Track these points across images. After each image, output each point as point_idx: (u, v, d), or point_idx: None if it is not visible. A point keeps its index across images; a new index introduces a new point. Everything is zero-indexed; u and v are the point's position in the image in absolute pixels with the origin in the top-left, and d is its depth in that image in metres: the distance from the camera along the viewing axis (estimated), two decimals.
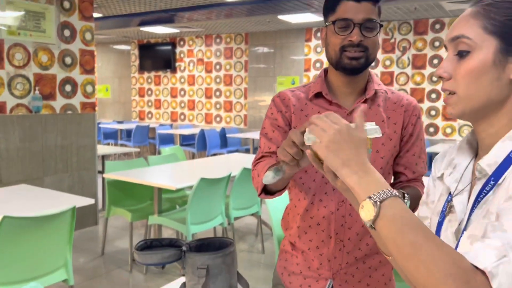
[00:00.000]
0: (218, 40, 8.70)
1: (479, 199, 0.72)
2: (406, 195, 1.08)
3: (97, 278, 3.41)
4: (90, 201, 2.65)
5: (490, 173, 0.72)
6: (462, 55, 0.72)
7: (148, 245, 1.35)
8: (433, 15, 6.39)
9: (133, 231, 3.69)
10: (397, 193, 0.66)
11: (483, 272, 0.57)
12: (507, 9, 0.70)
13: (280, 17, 6.48)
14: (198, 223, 3.27)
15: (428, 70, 6.70)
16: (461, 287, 0.56)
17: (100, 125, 8.63)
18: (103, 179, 4.92)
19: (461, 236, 0.74)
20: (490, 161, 0.72)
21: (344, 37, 1.19)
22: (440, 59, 6.56)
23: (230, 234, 3.96)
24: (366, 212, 0.66)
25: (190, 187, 3.26)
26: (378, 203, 0.65)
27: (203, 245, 1.35)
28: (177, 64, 9.22)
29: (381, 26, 1.21)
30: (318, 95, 1.29)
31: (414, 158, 1.29)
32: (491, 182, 0.71)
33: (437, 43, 6.60)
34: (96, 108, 4.69)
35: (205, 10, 6.25)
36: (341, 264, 1.26)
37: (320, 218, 1.26)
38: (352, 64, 1.20)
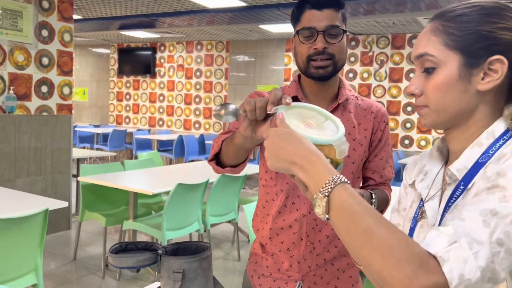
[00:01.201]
0: (199, 46, 8.69)
1: (449, 204, 0.75)
2: (373, 194, 1.10)
3: (68, 283, 3.32)
4: (64, 204, 2.59)
5: (460, 178, 0.74)
6: (428, 71, 0.75)
7: (123, 248, 1.33)
8: (410, 30, 6.55)
9: (107, 236, 3.62)
10: (344, 179, 0.65)
11: (435, 258, 0.58)
12: (464, 23, 0.72)
13: (262, 26, 6.53)
14: (174, 229, 3.23)
15: (404, 84, 6.85)
16: (414, 272, 0.57)
17: (76, 129, 8.47)
18: (78, 182, 4.82)
19: None
20: (460, 166, 0.74)
21: (309, 45, 1.21)
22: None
23: (206, 240, 3.93)
24: (318, 208, 0.65)
25: (167, 193, 3.23)
26: (327, 195, 0.64)
27: (179, 249, 1.34)
28: (157, 69, 9.16)
29: (345, 32, 1.23)
30: (294, 99, 1.30)
31: (381, 162, 1.32)
32: (461, 187, 0.73)
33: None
34: (73, 111, 4.61)
35: (187, 16, 6.24)
36: (310, 266, 1.28)
37: (292, 221, 1.28)
38: (319, 73, 1.22)
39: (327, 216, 0.64)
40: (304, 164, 0.68)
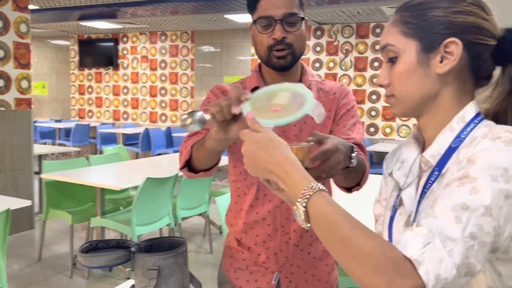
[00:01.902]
0: (163, 37, 8.51)
1: (425, 190, 0.76)
2: (354, 148, 1.04)
3: (33, 285, 3.20)
4: (26, 202, 2.48)
5: (434, 164, 0.75)
6: (392, 61, 0.78)
7: (93, 247, 1.27)
8: (374, 19, 6.65)
9: (73, 234, 3.50)
10: (320, 187, 0.68)
11: (411, 261, 0.59)
12: (419, 11, 0.75)
13: (227, 16, 6.46)
14: (144, 224, 3.17)
15: (369, 73, 6.96)
16: (392, 278, 0.58)
17: (36, 124, 8.15)
18: (40, 180, 4.64)
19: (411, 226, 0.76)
20: (433, 152, 0.75)
21: (267, 35, 1.19)
22: (381, 62, 6.83)
23: (178, 235, 3.88)
24: (298, 218, 0.68)
25: (135, 188, 3.16)
26: (304, 205, 0.66)
27: (153, 246, 1.30)
28: (119, 61, 8.91)
29: (303, 19, 1.21)
30: (256, 89, 1.28)
31: (344, 130, 1.27)
32: (435, 173, 0.74)
33: (377, 47, 6.86)
34: (32, 106, 4.41)
35: (150, 6, 6.08)
36: (287, 256, 1.28)
37: (265, 213, 1.27)
38: (280, 63, 1.21)
39: (308, 225, 0.67)
40: (280, 173, 0.71)
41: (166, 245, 1.30)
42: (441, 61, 0.73)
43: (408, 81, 0.76)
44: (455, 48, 0.72)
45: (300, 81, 1.30)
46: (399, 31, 0.77)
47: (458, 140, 0.73)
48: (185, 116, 0.87)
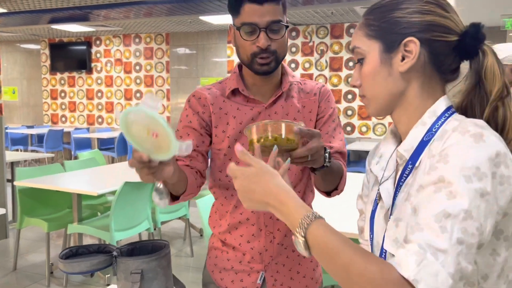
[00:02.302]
0: (137, 40, 8.41)
1: (400, 184, 0.78)
2: (326, 149, 1.08)
3: None
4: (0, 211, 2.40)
5: (408, 158, 0.77)
6: (360, 62, 0.82)
7: (73, 253, 1.24)
8: (348, 19, 6.73)
9: (50, 242, 3.41)
10: (317, 215, 0.70)
11: (409, 282, 0.60)
12: (381, 13, 0.79)
13: (202, 17, 6.43)
14: (123, 230, 3.12)
15: (344, 72, 7.05)
16: None
17: (7, 130, 7.91)
18: (13, 187, 4.51)
19: (389, 220, 0.78)
20: (407, 146, 0.78)
21: (251, 42, 1.19)
22: (355, 61, 6.92)
23: (157, 238, 3.83)
24: (298, 246, 0.70)
25: (113, 193, 3.10)
26: (303, 236, 0.69)
27: (135, 249, 1.28)
28: (93, 64, 8.75)
29: (287, 27, 1.21)
30: (235, 91, 1.29)
31: (327, 136, 1.30)
32: (409, 166, 0.77)
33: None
34: (3, 112, 4.28)
35: (123, 8, 6.00)
36: (272, 255, 1.28)
37: (249, 213, 1.27)
38: (263, 69, 1.21)
39: (308, 252, 0.69)
40: (276, 204, 0.74)
41: (148, 248, 1.28)
42: (402, 60, 0.77)
43: (374, 81, 0.79)
44: (413, 46, 0.75)
45: (280, 82, 1.30)
46: (364, 34, 0.81)
47: (430, 133, 0.75)
48: (154, 196, 0.95)
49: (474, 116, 0.76)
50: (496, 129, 0.73)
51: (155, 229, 3.53)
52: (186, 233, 4.26)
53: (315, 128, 1.32)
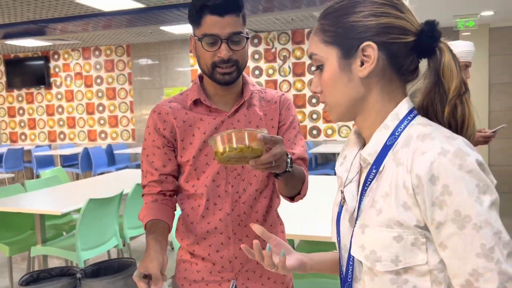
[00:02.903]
0: (97, 52, 8.23)
1: (365, 188, 0.77)
2: (288, 155, 1.10)
3: None
4: None
5: (371, 162, 0.77)
6: (320, 69, 0.80)
7: (34, 278, 1.19)
8: (308, 25, 6.83)
9: (12, 266, 3.26)
10: None
11: None
12: (335, 18, 0.77)
13: (163, 28, 6.36)
14: (90, 248, 3.02)
15: (307, 77, 7.14)
16: None
17: None
18: None
19: (354, 225, 0.78)
20: (370, 150, 0.77)
21: (213, 53, 1.20)
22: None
23: (127, 255, 3.74)
24: None
25: (78, 211, 3.00)
26: None
27: (100, 270, 1.24)
28: (52, 79, 8.50)
29: (247, 38, 1.23)
30: (197, 102, 1.30)
31: (289, 143, 1.33)
32: (373, 171, 0.76)
33: None
34: None
35: (80, 21, 5.86)
36: (242, 263, 1.29)
37: (217, 222, 1.27)
38: (225, 79, 1.22)
39: None
40: None
41: (114, 268, 1.24)
42: (361, 65, 0.75)
43: (335, 88, 0.78)
44: (371, 51, 0.74)
45: (242, 91, 1.32)
46: (320, 40, 0.79)
47: (393, 137, 0.75)
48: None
49: (436, 115, 0.76)
50: (456, 127, 0.75)
51: (124, 245, 3.44)
52: None
53: (277, 135, 1.33)
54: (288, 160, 1.10)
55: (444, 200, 0.66)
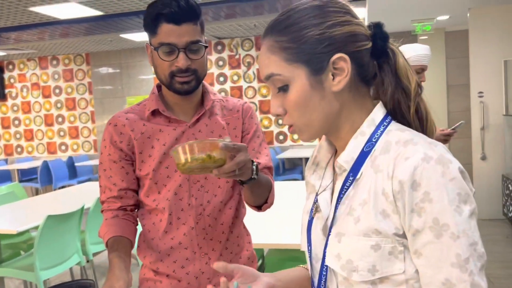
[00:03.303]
0: (54, 62, 7.96)
1: (341, 195, 0.74)
2: (253, 162, 1.09)
3: None
4: None
5: (348, 169, 0.74)
6: (284, 89, 0.73)
7: None
8: None
9: None
10: None
11: None
12: (294, 33, 0.71)
13: (123, 35, 6.23)
14: (50, 267, 2.87)
15: None
16: None
17: None
18: None
19: (329, 234, 0.74)
20: (347, 157, 0.74)
21: (170, 62, 1.16)
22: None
23: (90, 272, 3.58)
24: None
25: (36, 228, 2.85)
26: None
27: None
28: (6, 90, 8.14)
29: (206, 47, 1.20)
30: (155, 112, 1.25)
31: (253, 153, 1.31)
32: (350, 178, 0.73)
33: None
34: None
35: (36, 29, 5.65)
36: (209, 277, 1.24)
37: (181, 237, 1.23)
38: (184, 88, 1.19)
39: None
40: None
41: None
42: (333, 79, 0.71)
43: (307, 108, 0.72)
44: (343, 63, 0.70)
45: (202, 100, 1.28)
46: (282, 59, 0.72)
47: (370, 144, 0.73)
48: None
49: (403, 116, 0.75)
50: (421, 124, 0.75)
51: (87, 261, 3.29)
52: None
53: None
54: (254, 167, 1.08)
55: (423, 207, 0.65)
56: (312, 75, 0.71)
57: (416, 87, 0.74)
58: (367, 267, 0.68)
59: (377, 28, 0.74)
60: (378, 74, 0.76)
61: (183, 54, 1.14)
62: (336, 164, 0.76)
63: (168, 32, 1.13)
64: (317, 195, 0.81)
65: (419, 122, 0.75)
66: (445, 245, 0.64)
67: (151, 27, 1.17)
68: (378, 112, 0.75)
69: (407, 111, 0.75)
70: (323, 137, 0.84)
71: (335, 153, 0.82)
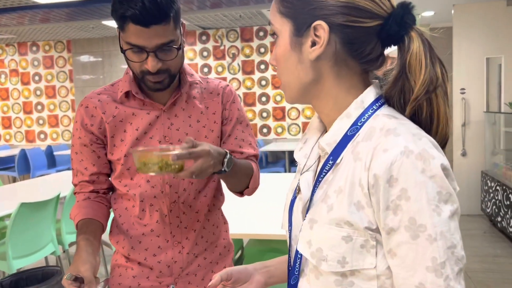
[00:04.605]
0: (34, 48, 7.76)
1: (319, 179, 0.70)
2: (227, 154, 1.05)
3: None
4: None
5: (329, 152, 0.70)
6: (275, 41, 0.72)
7: None
8: (256, 22, 6.80)
9: None
10: None
11: None
12: None
13: (105, 22, 6.09)
14: (23, 256, 2.79)
15: (257, 75, 7.11)
16: None
17: None
18: None
19: (304, 218, 0.71)
20: (329, 140, 0.70)
21: (140, 63, 1.06)
22: (266, 64, 7.02)
23: (66, 262, 3.51)
24: None
25: (9, 216, 2.77)
26: None
27: (21, 280, 1.09)
28: None
29: (179, 48, 1.08)
30: (129, 94, 1.18)
31: (236, 141, 1.24)
32: (330, 162, 0.69)
33: (262, 50, 7.04)
34: None
35: (15, 13, 5.48)
36: (182, 267, 1.21)
37: (154, 224, 1.18)
38: (156, 87, 1.11)
39: None
40: None
41: (38, 278, 1.10)
42: (312, 46, 0.67)
43: (286, 66, 0.70)
44: (322, 32, 0.65)
45: (179, 83, 1.20)
46: (277, 9, 0.70)
47: (355, 127, 0.68)
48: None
49: (402, 109, 0.68)
50: (422, 128, 0.67)
51: (64, 251, 3.22)
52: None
53: (221, 132, 1.24)
54: (226, 160, 1.04)
55: (400, 205, 0.60)
56: (294, 34, 0.68)
57: (426, 82, 0.65)
58: (336, 258, 0.65)
59: (398, 9, 0.66)
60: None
61: (152, 57, 1.04)
62: (319, 146, 0.72)
63: (136, 33, 1.01)
64: (301, 174, 0.76)
65: (421, 126, 0.67)
66: (420, 247, 0.60)
67: (118, 22, 1.04)
68: (369, 94, 0.69)
69: (401, 110, 0.68)
70: (316, 114, 0.79)
71: (324, 133, 0.78)
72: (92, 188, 1.21)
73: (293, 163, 6.44)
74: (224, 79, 7.16)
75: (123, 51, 1.06)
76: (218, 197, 1.28)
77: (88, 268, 0.98)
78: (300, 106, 6.93)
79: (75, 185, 1.23)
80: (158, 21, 1.00)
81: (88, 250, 1.04)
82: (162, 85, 1.10)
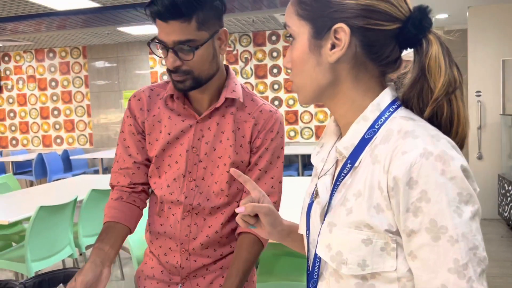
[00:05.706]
0: (51, 54, 7.89)
1: (338, 182, 0.71)
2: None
3: None
4: None
5: (347, 156, 0.70)
6: (292, 43, 0.72)
7: None
8: (269, 27, 6.82)
9: None
10: None
11: None
12: None
13: (120, 28, 6.18)
14: (42, 259, 2.84)
15: (269, 79, 7.12)
16: None
17: None
18: None
19: (323, 222, 0.71)
20: (347, 143, 0.70)
21: (166, 58, 1.09)
22: (279, 68, 7.03)
23: (83, 265, 3.55)
24: None
25: (29, 219, 2.82)
26: None
27: (43, 282, 1.13)
28: (2, 82, 8.07)
29: (197, 46, 1.05)
30: (173, 96, 1.20)
31: (258, 173, 1.19)
32: (348, 166, 0.70)
33: (275, 54, 7.06)
34: None
35: (32, 21, 5.59)
36: (189, 272, 1.22)
37: (167, 227, 1.21)
38: (179, 87, 1.11)
39: None
40: None
41: (59, 279, 1.14)
42: (331, 49, 0.68)
43: (302, 69, 0.71)
44: (343, 35, 0.66)
45: (219, 93, 1.18)
46: (294, 11, 0.70)
47: (372, 130, 0.68)
48: None
49: (421, 112, 0.69)
50: (441, 130, 0.67)
51: (80, 254, 3.27)
52: None
53: (250, 159, 1.19)
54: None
55: (420, 207, 0.60)
56: (313, 37, 0.69)
57: (446, 84, 0.65)
58: (357, 261, 0.65)
59: (416, 13, 0.66)
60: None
61: (172, 53, 1.06)
62: (336, 150, 0.73)
63: (160, 28, 1.06)
64: (318, 178, 0.77)
65: (440, 127, 0.67)
66: (442, 248, 0.60)
67: (152, 19, 1.09)
68: (386, 96, 0.69)
69: (418, 113, 0.69)
70: (332, 117, 0.80)
71: (341, 137, 0.78)
72: (129, 181, 1.20)
73: (306, 166, 6.42)
74: None
75: (148, 43, 1.11)
76: (235, 215, 1.21)
77: (83, 280, 0.99)
78: (313, 110, 6.92)
79: (114, 172, 1.22)
80: (175, 17, 1.02)
81: (96, 261, 1.04)
82: (184, 86, 1.10)
